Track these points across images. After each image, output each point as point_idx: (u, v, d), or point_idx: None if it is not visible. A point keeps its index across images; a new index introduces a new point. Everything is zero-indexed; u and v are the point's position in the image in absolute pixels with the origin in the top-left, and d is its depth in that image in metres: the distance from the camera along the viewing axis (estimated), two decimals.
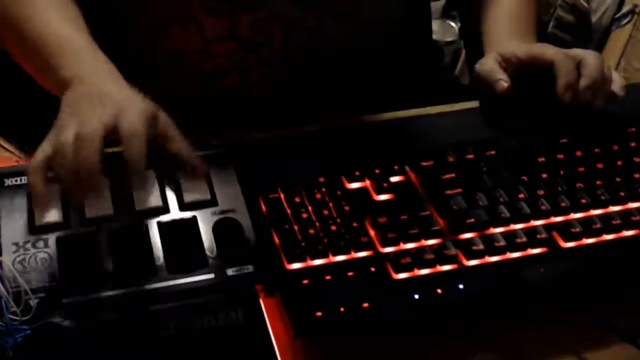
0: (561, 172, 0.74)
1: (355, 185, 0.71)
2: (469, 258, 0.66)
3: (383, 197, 0.70)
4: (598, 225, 0.69)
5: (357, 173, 0.71)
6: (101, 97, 0.64)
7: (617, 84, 0.78)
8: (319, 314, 0.60)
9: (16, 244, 0.62)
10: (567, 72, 0.76)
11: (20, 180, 0.67)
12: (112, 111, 0.62)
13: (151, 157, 0.62)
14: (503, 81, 0.78)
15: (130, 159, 0.61)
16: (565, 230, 0.68)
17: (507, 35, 0.87)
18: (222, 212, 0.66)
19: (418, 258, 0.65)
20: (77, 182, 0.60)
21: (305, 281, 0.62)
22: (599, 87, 0.76)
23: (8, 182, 0.67)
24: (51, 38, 0.72)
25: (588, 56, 0.77)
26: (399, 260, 0.64)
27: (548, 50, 0.79)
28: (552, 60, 0.77)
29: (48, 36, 0.73)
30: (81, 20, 0.76)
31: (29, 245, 0.62)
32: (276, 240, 0.65)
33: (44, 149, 0.62)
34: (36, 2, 0.76)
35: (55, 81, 0.70)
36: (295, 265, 0.64)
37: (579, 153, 0.76)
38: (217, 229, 0.65)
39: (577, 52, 0.78)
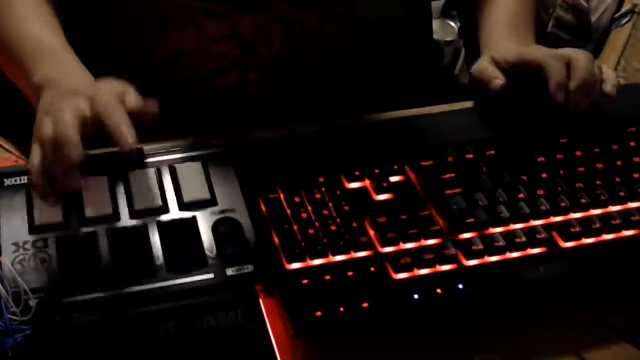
0: (561, 172, 0.74)
1: (355, 185, 0.71)
2: (468, 258, 0.66)
3: (383, 197, 0.70)
4: (598, 226, 0.69)
5: (357, 173, 0.71)
6: (71, 91, 0.65)
7: (610, 82, 0.78)
8: (319, 314, 0.60)
9: (16, 244, 0.62)
10: (557, 74, 0.76)
11: (20, 180, 0.67)
12: (83, 99, 0.62)
13: None
14: (499, 79, 0.79)
15: (113, 127, 0.61)
16: (565, 230, 0.68)
17: (505, 35, 0.87)
18: (222, 212, 0.66)
19: (418, 258, 0.65)
20: (63, 163, 0.60)
21: (305, 281, 0.62)
22: (590, 87, 0.76)
23: (8, 182, 0.67)
24: (25, 42, 0.73)
25: (578, 56, 0.77)
26: (398, 261, 0.64)
27: (537, 53, 0.79)
28: (541, 63, 0.77)
29: (22, 40, 0.73)
30: (56, 22, 0.76)
31: (28, 246, 0.62)
32: (276, 240, 0.65)
33: (35, 153, 0.63)
34: (12, 5, 0.75)
35: (30, 88, 0.70)
36: (295, 265, 0.64)
37: (579, 153, 0.76)
38: (216, 229, 0.65)
39: (567, 52, 0.78)
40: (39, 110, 0.65)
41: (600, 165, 0.75)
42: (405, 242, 0.66)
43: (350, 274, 0.63)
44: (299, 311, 0.61)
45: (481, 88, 0.81)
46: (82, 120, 0.61)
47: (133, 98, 0.65)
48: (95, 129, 0.62)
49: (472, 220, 0.68)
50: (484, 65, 0.81)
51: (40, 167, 0.62)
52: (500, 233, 0.68)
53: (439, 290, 0.63)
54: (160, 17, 0.84)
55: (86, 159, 0.60)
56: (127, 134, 0.61)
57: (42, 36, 0.73)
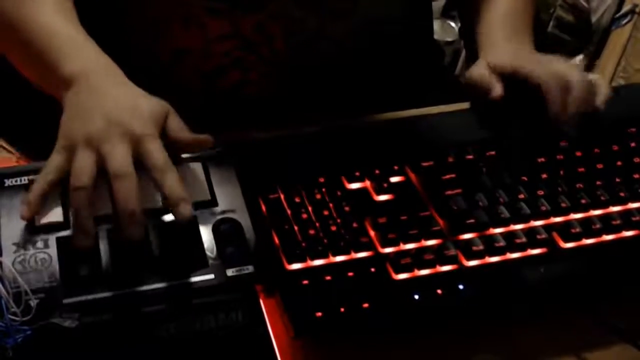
0: (561, 172, 0.74)
1: (355, 185, 0.71)
2: (468, 258, 0.66)
3: (383, 197, 0.70)
4: (598, 226, 0.69)
5: (357, 173, 0.71)
6: (110, 112, 0.64)
7: (601, 96, 0.78)
8: (319, 314, 0.60)
9: (16, 244, 0.62)
10: (557, 99, 0.76)
11: (21, 180, 0.67)
12: (129, 143, 0.62)
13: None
14: (498, 89, 0.78)
15: (169, 194, 0.62)
16: (565, 230, 0.68)
17: (502, 36, 0.87)
18: (222, 212, 0.66)
19: (418, 258, 0.65)
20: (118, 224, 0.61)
21: (305, 281, 0.62)
22: (586, 106, 0.77)
23: (8, 182, 0.67)
24: (49, 37, 0.72)
25: (573, 76, 0.77)
26: (399, 261, 0.64)
27: (533, 70, 0.78)
28: (538, 83, 0.77)
29: (46, 35, 0.72)
30: (74, 14, 0.76)
31: (29, 246, 0.62)
32: (276, 240, 0.65)
33: (54, 167, 0.63)
34: (33, 2, 0.75)
35: (54, 80, 0.69)
36: (295, 266, 0.64)
37: (578, 153, 0.76)
38: (217, 229, 0.65)
39: (562, 71, 0.78)
40: (66, 108, 0.65)
41: (600, 166, 0.75)
42: (406, 242, 0.66)
43: (350, 274, 0.63)
44: (299, 311, 0.61)
45: (477, 94, 0.81)
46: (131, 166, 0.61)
47: (175, 124, 0.66)
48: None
49: (472, 220, 0.68)
50: (481, 72, 0.81)
51: (53, 178, 0.62)
52: (501, 233, 0.68)
53: (439, 291, 0.63)
54: (162, 15, 0.84)
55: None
56: (184, 207, 0.61)
57: (64, 28, 0.73)
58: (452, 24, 1.65)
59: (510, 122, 0.79)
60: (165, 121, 0.65)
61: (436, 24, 1.60)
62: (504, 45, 0.85)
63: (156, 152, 0.62)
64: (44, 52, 0.71)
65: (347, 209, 0.68)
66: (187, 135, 0.66)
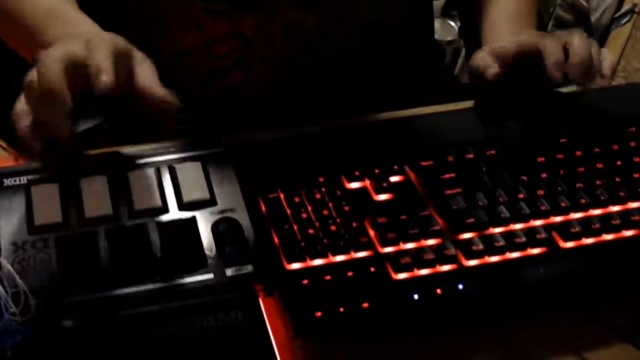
0: (561, 172, 0.74)
1: (354, 185, 0.71)
2: (468, 258, 0.66)
3: (383, 197, 0.70)
4: (597, 225, 0.69)
5: (356, 173, 0.71)
6: (73, 35, 0.64)
7: (606, 62, 0.78)
8: (319, 314, 0.60)
9: (15, 244, 0.62)
10: (553, 52, 0.75)
11: (20, 180, 0.67)
12: (80, 43, 0.61)
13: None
14: (492, 68, 0.78)
15: (94, 65, 0.60)
16: (565, 230, 0.68)
17: (506, 34, 0.87)
18: (222, 211, 0.66)
19: (418, 258, 0.65)
20: (45, 106, 0.59)
21: (305, 281, 0.62)
22: (588, 65, 0.76)
23: (7, 182, 0.67)
24: (39, 9, 0.72)
25: (574, 37, 0.77)
26: (398, 260, 0.64)
27: (533, 37, 0.79)
28: (537, 45, 0.77)
29: (36, 8, 0.72)
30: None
31: (28, 246, 0.62)
32: (276, 240, 0.65)
33: (20, 99, 0.62)
34: None
35: (37, 47, 0.69)
36: (295, 265, 0.64)
37: (578, 153, 0.76)
38: (216, 228, 0.65)
39: (562, 33, 0.78)
40: None
41: (600, 165, 0.75)
42: (405, 242, 0.66)
43: (350, 274, 0.63)
44: (298, 311, 0.61)
45: (477, 78, 0.80)
46: (70, 63, 0.59)
47: (148, 76, 0.65)
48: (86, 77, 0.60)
49: (471, 220, 0.68)
50: (480, 55, 0.81)
51: (22, 112, 0.61)
52: (500, 233, 0.67)
53: (438, 291, 0.63)
54: (162, 16, 0.84)
55: (76, 106, 0.59)
56: (105, 71, 0.59)
57: (57, 4, 0.74)
58: (452, 24, 1.65)
59: (510, 121, 0.79)
60: (129, 60, 0.64)
61: (436, 24, 1.60)
62: (509, 37, 0.85)
63: (98, 49, 0.60)
64: (33, 28, 0.71)
65: (346, 208, 0.68)
66: (158, 89, 0.65)
